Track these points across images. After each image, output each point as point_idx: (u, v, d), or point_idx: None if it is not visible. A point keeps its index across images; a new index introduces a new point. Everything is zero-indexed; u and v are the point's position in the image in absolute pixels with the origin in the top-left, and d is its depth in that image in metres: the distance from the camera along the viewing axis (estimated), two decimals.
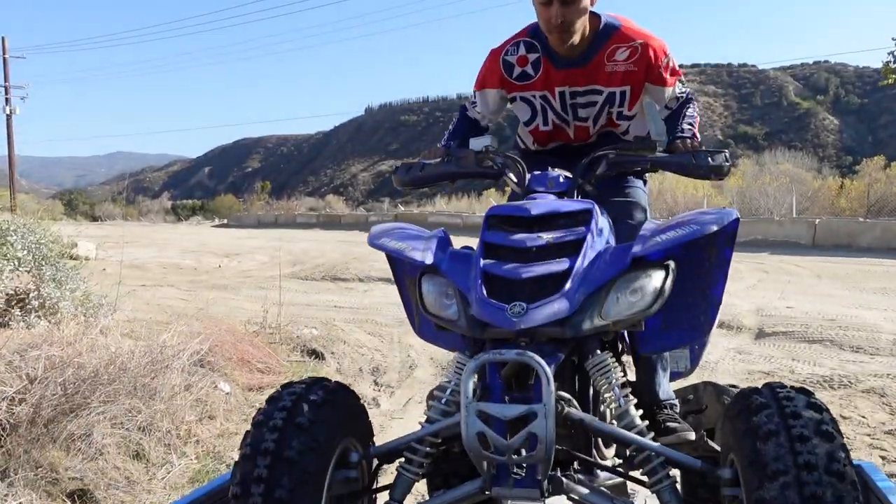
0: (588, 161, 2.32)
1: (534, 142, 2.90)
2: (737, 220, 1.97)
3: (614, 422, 1.89)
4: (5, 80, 36.95)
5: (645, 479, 1.81)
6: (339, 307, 11.22)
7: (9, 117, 36.45)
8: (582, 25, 2.44)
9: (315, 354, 7.55)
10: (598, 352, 1.93)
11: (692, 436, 2.25)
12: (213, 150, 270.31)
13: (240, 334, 6.98)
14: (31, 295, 6.82)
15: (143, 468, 4.26)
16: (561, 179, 2.26)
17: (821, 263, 16.00)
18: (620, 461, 2.06)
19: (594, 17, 2.50)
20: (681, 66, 2.80)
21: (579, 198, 2.22)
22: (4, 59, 37.05)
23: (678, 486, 1.89)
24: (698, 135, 2.50)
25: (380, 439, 2.19)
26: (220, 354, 6.12)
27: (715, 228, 1.90)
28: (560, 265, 1.87)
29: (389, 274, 2.55)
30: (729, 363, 7.05)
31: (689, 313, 2.14)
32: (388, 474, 2.29)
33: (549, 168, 2.32)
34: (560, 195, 2.19)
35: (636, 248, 1.88)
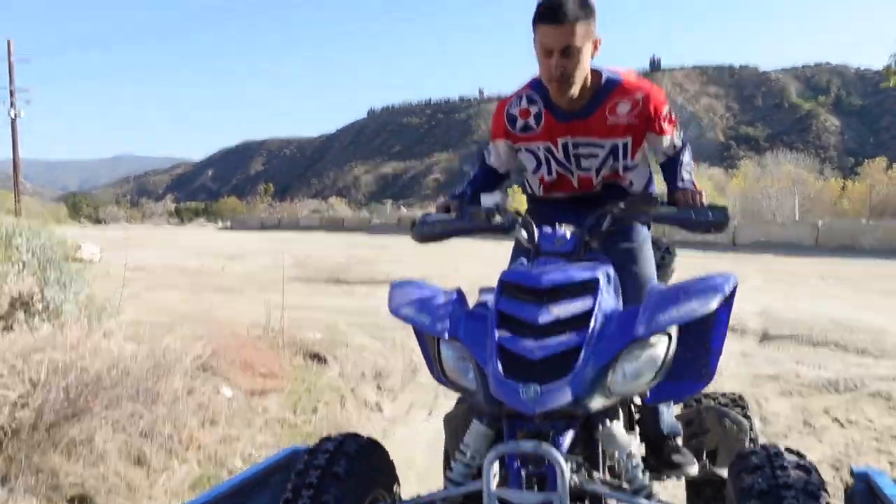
0: (594, 218, 2.41)
1: (540, 188, 2.94)
2: (735, 285, 2.08)
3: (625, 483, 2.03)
4: (10, 84, 37.03)
5: None
6: (342, 310, 11.19)
7: (13, 120, 36.50)
8: (581, 77, 2.49)
9: (318, 358, 7.53)
10: (608, 423, 2.05)
11: (695, 470, 2.43)
12: (216, 152, 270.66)
13: (243, 338, 6.96)
14: (34, 298, 6.80)
15: (144, 474, 4.24)
16: (568, 236, 2.34)
17: (824, 265, 15.97)
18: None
19: (595, 72, 2.56)
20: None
21: (585, 252, 2.34)
22: (10, 63, 37.11)
23: None
24: (697, 182, 2.60)
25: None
26: (222, 358, 6.10)
27: (715, 306, 2.00)
28: (570, 341, 1.95)
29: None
30: (734, 367, 7.02)
31: (692, 367, 2.21)
32: None
33: (557, 225, 2.39)
34: (568, 255, 2.29)
35: (639, 329, 1.97)
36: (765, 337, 8.41)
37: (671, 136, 2.68)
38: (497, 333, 2.01)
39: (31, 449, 3.92)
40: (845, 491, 2.48)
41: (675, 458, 2.50)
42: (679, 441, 2.58)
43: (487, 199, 2.51)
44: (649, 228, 2.91)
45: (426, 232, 2.66)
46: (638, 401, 2.56)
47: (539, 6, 2.41)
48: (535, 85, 2.65)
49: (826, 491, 1.81)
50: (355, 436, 2.21)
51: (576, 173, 2.76)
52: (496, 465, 1.89)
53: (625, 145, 2.64)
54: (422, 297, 2.31)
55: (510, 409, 1.95)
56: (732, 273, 2.11)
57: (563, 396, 1.88)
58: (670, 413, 2.60)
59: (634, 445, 2.09)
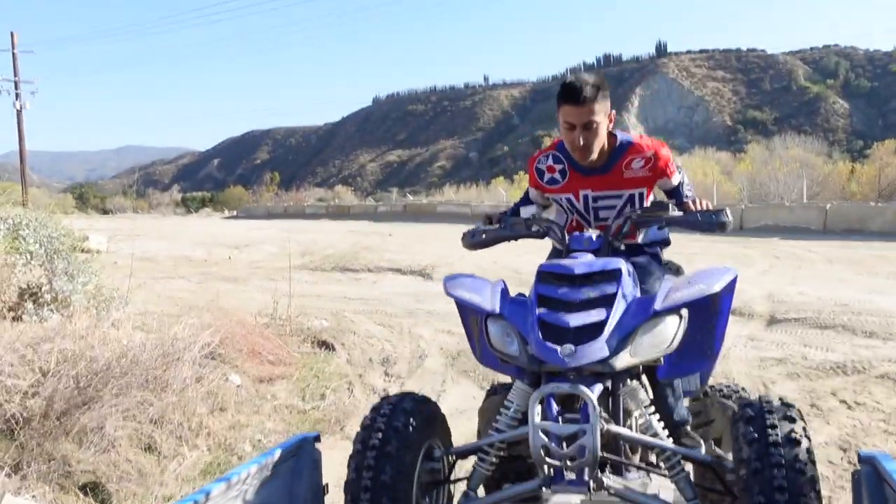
0: (617, 222, 2.88)
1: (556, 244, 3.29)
2: (735, 277, 2.58)
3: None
4: (15, 75, 36.97)
5: (665, 473, 2.39)
6: (349, 298, 11.23)
7: (19, 112, 36.44)
8: (599, 145, 2.94)
9: (325, 346, 7.57)
10: (629, 381, 2.50)
11: (703, 451, 2.72)
12: (222, 142, 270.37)
13: (250, 326, 6.99)
14: (43, 288, 6.85)
15: (154, 460, 4.28)
16: (594, 238, 2.78)
17: (832, 248, 15.92)
18: (644, 463, 2.57)
19: (611, 135, 3.01)
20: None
21: (610, 252, 2.77)
22: (14, 55, 37.05)
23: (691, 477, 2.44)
24: (697, 197, 3.01)
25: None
26: (230, 346, 6.13)
27: (718, 289, 2.50)
28: (598, 315, 2.38)
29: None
30: (741, 350, 7.03)
31: (698, 347, 2.65)
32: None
33: (585, 229, 2.99)
34: (595, 252, 2.71)
35: (657, 304, 2.42)
36: (772, 320, 8.39)
37: (675, 176, 3.15)
38: (537, 310, 2.45)
39: (42, 437, 3.95)
40: (853, 475, 2.49)
41: (686, 441, 2.79)
42: (689, 427, 2.88)
43: (525, 211, 3.19)
44: (666, 235, 3.29)
45: (475, 241, 3.11)
46: (650, 393, 2.82)
47: (562, 88, 2.87)
48: (561, 146, 3.10)
49: (808, 437, 2.15)
50: (411, 394, 2.60)
51: (593, 223, 3.15)
52: (539, 406, 2.26)
53: (640, 194, 3.10)
54: (473, 285, 2.76)
55: (549, 367, 2.36)
56: (732, 268, 2.59)
57: (593, 354, 2.30)
58: (681, 403, 2.90)
59: (650, 410, 2.48)
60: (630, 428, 2.49)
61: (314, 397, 5.97)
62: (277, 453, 2.65)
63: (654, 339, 2.40)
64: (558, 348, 2.31)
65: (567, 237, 2.85)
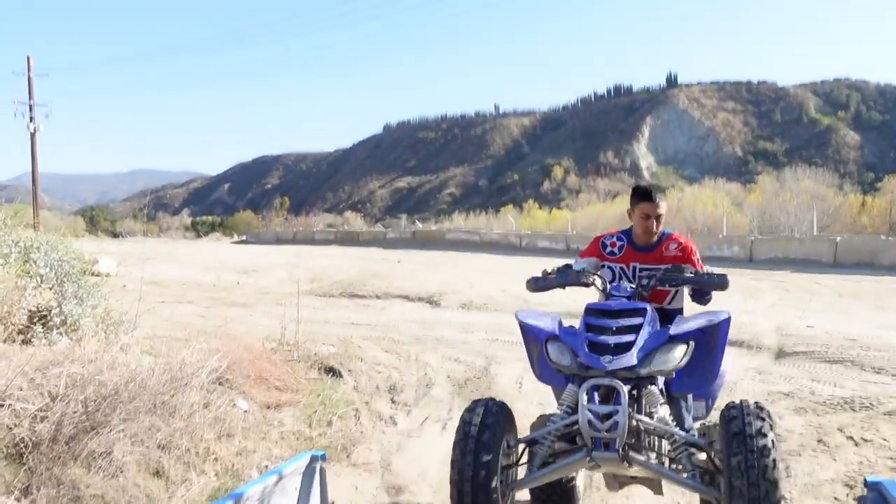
0: (644, 279, 3.96)
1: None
2: (729, 317, 3.55)
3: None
4: (30, 98, 37.45)
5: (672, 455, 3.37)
6: (357, 324, 11.25)
7: (32, 135, 36.84)
8: (660, 230, 4.28)
9: (332, 372, 7.57)
10: (650, 386, 3.44)
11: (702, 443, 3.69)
12: (233, 166, 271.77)
13: (258, 352, 7.01)
14: (52, 312, 6.88)
15: (162, 486, 4.28)
16: (628, 289, 3.81)
17: (842, 282, 15.87)
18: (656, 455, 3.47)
19: None
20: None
21: (638, 299, 3.77)
22: (29, 78, 37.57)
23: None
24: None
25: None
26: (238, 372, 6.15)
27: (716, 322, 3.52)
28: (628, 338, 3.40)
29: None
30: (748, 383, 7.00)
31: (701, 371, 3.67)
32: None
33: (620, 281, 4.10)
34: (628, 298, 3.72)
35: (672, 331, 3.47)
36: (780, 353, 8.37)
37: (697, 261, 4.24)
38: (586, 334, 3.48)
39: (51, 461, 3.97)
40: (858, 500, 2.51)
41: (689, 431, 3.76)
42: (694, 427, 3.85)
43: (577, 265, 4.18)
44: (677, 291, 4.29)
45: (538, 285, 4.14)
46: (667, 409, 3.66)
47: (639, 190, 4.29)
48: (625, 232, 4.40)
49: (773, 430, 3.00)
50: (492, 399, 3.56)
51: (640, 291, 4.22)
52: (585, 395, 3.23)
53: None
54: (537, 315, 3.88)
55: (593, 372, 3.34)
56: (727, 310, 3.56)
57: (624, 362, 3.31)
58: (689, 417, 3.91)
59: (665, 409, 3.43)
60: (649, 416, 3.40)
61: (321, 424, 5.97)
62: (286, 470, 2.69)
63: (667, 357, 3.42)
64: (601, 357, 3.33)
65: (608, 286, 3.91)
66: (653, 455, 3.42)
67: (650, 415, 3.39)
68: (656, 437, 3.46)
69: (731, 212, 32.25)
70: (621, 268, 4.30)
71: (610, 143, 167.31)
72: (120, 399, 4.47)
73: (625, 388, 3.16)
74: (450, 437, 5.50)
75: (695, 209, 33.60)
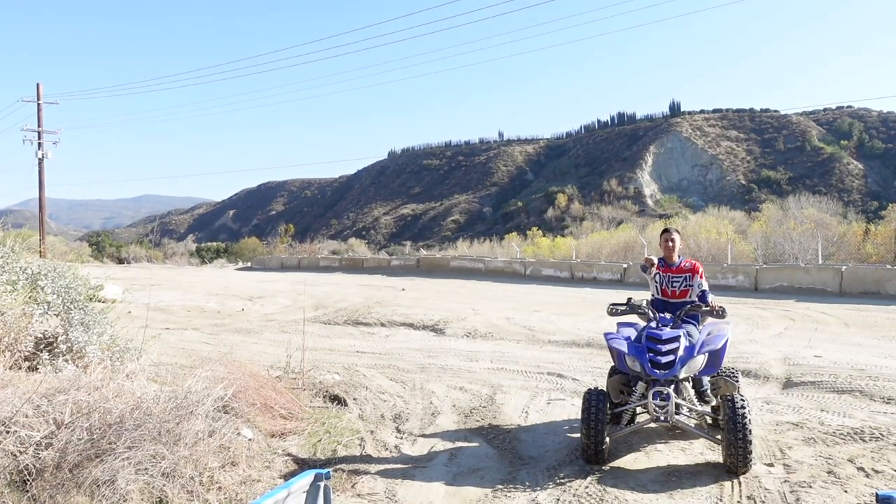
0: (678, 313, 6.16)
1: (659, 293, 6.62)
2: (727, 338, 6.03)
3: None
4: (39, 125, 37.75)
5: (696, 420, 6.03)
6: (361, 352, 11.21)
7: (40, 161, 37.12)
8: (678, 253, 6.64)
9: (337, 400, 7.54)
10: (686, 384, 5.94)
11: (715, 402, 6.23)
12: (237, 193, 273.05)
13: (263, 379, 6.99)
14: (59, 339, 6.88)
15: None
16: (669, 317, 6.09)
17: (848, 311, 15.79)
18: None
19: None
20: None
21: (677, 325, 6.04)
22: (38, 105, 37.90)
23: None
24: (715, 303, 6.29)
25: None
26: (243, 400, 6.13)
27: (720, 345, 5.87)
28: (672, 356, 5.67)
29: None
30: (756, 413, 6.94)
31: (711, 366, 5.91)
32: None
33: (663, 315, 6.16)
34: (670, 326, 5.97)
35: (695, 352, 5.76)
36: (788, 384, 8.31)
37: (703, 282, 6.48)
38: (647, 354, 5.71)
39: (54, 489, 3.95)
40: None
41: (707, 398, 6.22)
42: (709, 391, 6.29)
43: (636, 300, 6.40)
44: (698, 322, 6.36)
45: (615, 314, 6.33)
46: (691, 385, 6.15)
47: (667, 230, 6.78)
48: (661, 258, 6.64)
49: (749, 411, 5.36)
50: (598, 388, 5.84)
51: (669, 290, 6.55)
52: (651, 393, 5.60)
53: (689, 276, 6.50)
54: (618, 338, 6.07)
55: (652, 378, 5.64)
56: (726, 331, 6.09)
57: (670, 373, 5.61)
58: (707, 382, 6.27)
59: (692, 392, 5.97)
60: (684, 400, 5.81)
61: (325, 452, 5.93)
62: (290, 488, 2.68)
63: (694, 365, 5.75)
64: (657, 370, 5.62)
65: (656, 316, 6.10)
66: (686, 419, 5.86)
67: (684, 398, 5.80)
68: (687, 409, 5.81)
69: (735, 240, 32.21)
70: (660, 276, 6.57)
71: (614, 170, 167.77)
72: (125, 427, 4.45)
73: (671, 389, 5.57)
74: (456, 468, 5.47)
75: (699, 237, 33.55)
